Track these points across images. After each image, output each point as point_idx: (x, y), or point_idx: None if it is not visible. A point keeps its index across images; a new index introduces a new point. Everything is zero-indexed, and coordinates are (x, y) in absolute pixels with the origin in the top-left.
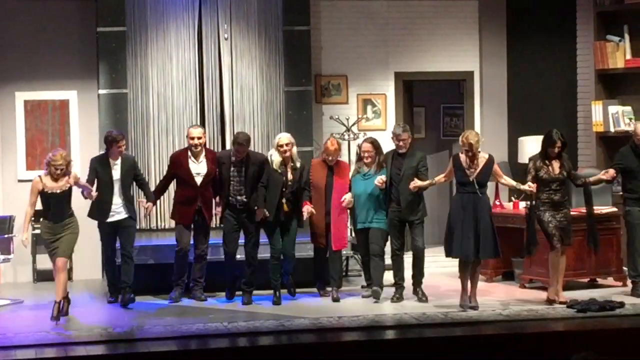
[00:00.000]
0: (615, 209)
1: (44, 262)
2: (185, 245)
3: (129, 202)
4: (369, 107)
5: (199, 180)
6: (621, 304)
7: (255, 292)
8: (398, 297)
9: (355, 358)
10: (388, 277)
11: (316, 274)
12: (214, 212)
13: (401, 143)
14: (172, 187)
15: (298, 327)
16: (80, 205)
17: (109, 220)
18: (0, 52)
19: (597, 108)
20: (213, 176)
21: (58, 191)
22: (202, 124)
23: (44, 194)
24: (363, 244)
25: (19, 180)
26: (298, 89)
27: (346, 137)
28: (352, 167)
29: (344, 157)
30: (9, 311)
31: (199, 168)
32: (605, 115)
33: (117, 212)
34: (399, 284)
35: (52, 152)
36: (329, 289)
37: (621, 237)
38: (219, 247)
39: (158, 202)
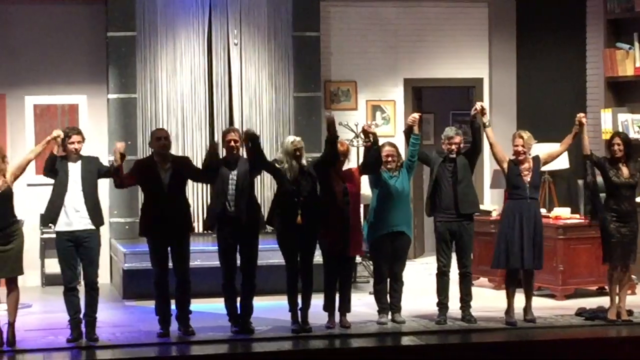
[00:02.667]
0: None
1: (53, 266)
2: (162, 266)
3: (94, 210)
4: (378, 114)
5: (165, 189)
6: (630, 312)
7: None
8: (444, 320)
9: None
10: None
11: (325, 303)
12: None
13: (453, 147)
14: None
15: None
16: None
17: (66, 229)
18: (10, 56)
19: (606, 116)
20: (180, 184)
21: None
22: (211, 129)
23: None
24: (385, 254)
25: (28, 185)
26: (307, 95)
27: (355, 143)
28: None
29: (352, 164)
30: (17, 315)
31: (165, 177)
32: (614, 123)
33: (77, 220)
34: (443, 304)
35: None
36: (336, 320)
37: None
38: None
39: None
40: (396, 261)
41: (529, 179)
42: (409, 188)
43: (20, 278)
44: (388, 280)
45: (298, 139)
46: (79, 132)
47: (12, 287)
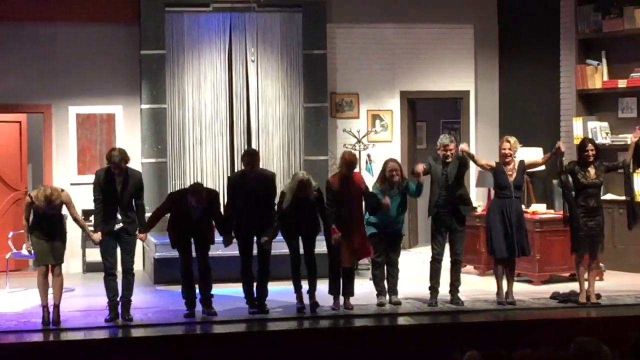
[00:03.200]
0: None
1: (93, 255)
2: (187, 261)
3: (129, 222)
4: (377, 122)
5: (195, 222)
6: (598, 296)
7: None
8: (435, 303)
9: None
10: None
11: (333, 289)
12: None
13: (448, 152)
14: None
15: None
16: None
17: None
18: (56, 71)
19: (577, 124)
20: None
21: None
22: (231, 135)
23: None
24: (381, 247)
25: (71, 184)
26: (315, 105)
27: (357, 147)
28: (372, 171)
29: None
30: (62, 298)
31: (197, 212)
32: (585, 130)
33: (119, 223)
34: (435, 288)
35: (43, 187)
36: (340, 302)
37: None
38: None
39: None
40: (391, 252)
41: (512, 179)
42: (405, 206)
43: (64, 265)
44: (385, 267)
45: (305, 178)
46: (123, 158)
47: (57, 273)
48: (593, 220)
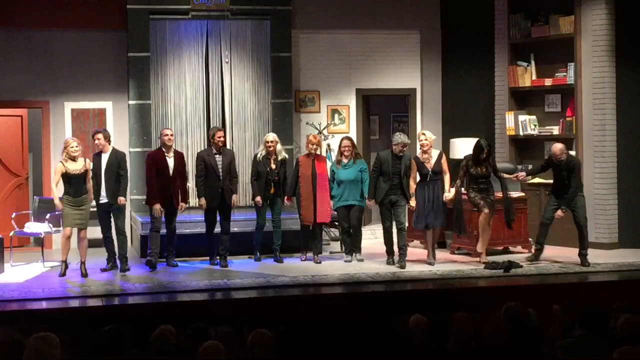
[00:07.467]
0: (523, 194)
1: (89, 232)
2: (160, 224)
3: (112, 190)
4: (336, 115)
5: (171, 171)
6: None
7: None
8: (392, 261)
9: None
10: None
11: (303, 243)
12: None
13: (405, 149)
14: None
15: (282, 283)
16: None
17: (103, 202)
18: (54, 71)
19: (510, 117)
20: (180, 169)
21: (78, 172)
22: (208, 127)
23: (65, 175)
24: (344, 218)
25: None
26: (282, 101)
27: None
28: (331, 159)
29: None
30: (59, 271)
31: (170, 162)
32: (516, 123)
33: (106, 195)
34: (390, 251)
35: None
36: (309, 254)
37: (527, 215)
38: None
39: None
40: (353, 220)
41: (430, 166)
42: (359, 176)
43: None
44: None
45: (270, 137)
46: (98, 132)
47: (82, 236)
48: (488, 197)
